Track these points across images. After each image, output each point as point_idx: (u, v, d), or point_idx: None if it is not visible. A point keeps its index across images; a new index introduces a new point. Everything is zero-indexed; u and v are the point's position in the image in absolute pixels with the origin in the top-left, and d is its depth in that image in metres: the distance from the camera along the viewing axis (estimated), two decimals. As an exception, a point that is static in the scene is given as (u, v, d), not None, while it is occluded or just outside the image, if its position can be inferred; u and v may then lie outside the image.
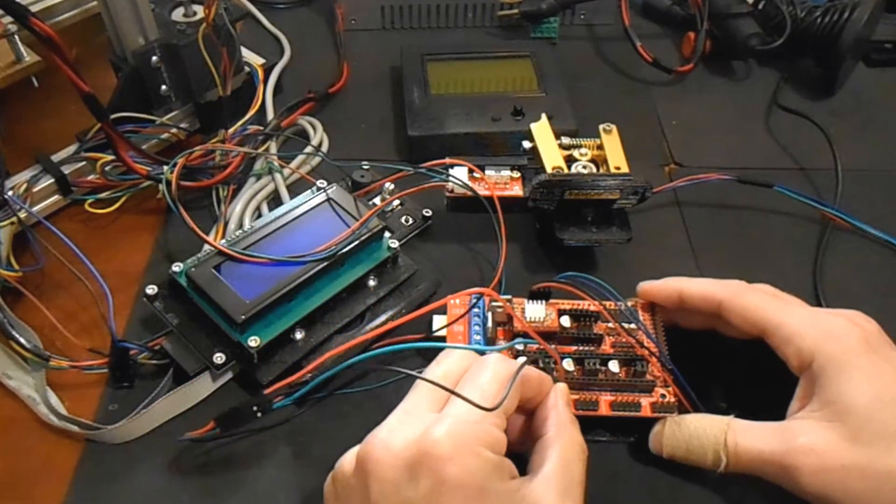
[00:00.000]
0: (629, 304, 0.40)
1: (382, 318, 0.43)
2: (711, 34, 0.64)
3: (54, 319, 0.41)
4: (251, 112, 0.52)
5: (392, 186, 0.49)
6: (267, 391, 0.36)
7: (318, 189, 0.45)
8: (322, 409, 0.40)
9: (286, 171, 0.51)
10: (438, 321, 0.41)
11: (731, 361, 0.40)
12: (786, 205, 0.51)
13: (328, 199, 0.45)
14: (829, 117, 0.58)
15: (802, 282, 0.47)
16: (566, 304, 0.40)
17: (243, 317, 0.38)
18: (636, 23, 0.65)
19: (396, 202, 0.49)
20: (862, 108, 0.61)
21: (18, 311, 0.42)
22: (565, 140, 0.47)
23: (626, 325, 0.39)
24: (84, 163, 0.48)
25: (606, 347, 0.39)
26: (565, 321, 0.39)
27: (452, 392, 0.31)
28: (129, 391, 0.40)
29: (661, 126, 0.59)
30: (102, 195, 0.48)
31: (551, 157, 0.45)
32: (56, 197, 0.48)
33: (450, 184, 0.46)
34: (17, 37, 0.49)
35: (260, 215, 0.49)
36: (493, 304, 0.39)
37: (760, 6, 0.64)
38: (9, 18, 0.48)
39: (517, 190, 0.47)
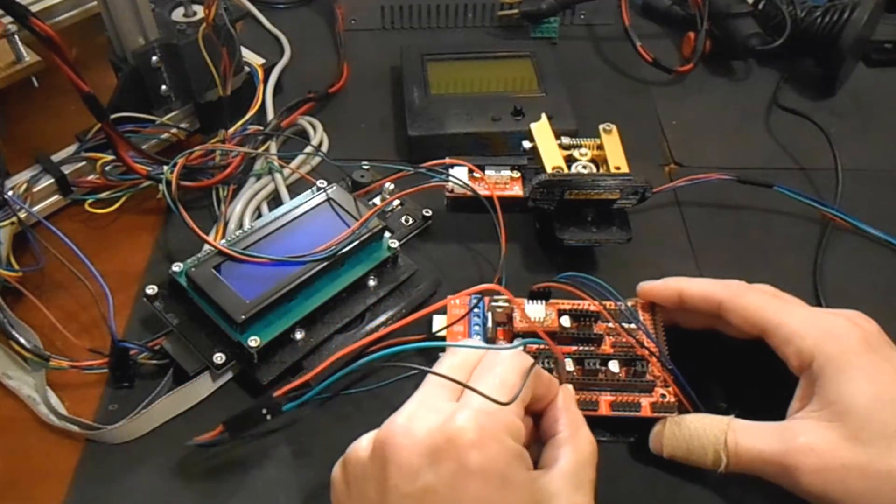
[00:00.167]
0: (629, 304, 0.40)
1: (382, 318, 0.43)
2: (711, 34, 0.64)
3: (54, 319, 0.41)
4: (251, 112, 0.52)
5: (392, 186, 0.49)
6: (277, 394, 0.36)
7: (318, 189, 0.45)
8: (323, 409, 0.40)
9: (286, 171, 0.51)
10: (438, 321, 0.41)
11: (731, 361, 0.40)
12: (786, 205, 0.51)
13: (328, 199, 0.45)
14: (829, 117, 0.58)
15: (802, 282, 0.47)
16: (566, 304, 0.40)
17: (243, 317, 0.38)
18: (636, 23, 0.65)
19: (396, 202, 0.49)
20: (862, 108, 0.61)
21: (18, 311, 0.42)
22: (565, 140, 0.47)
23: (626, 325, 0.39)
24: (84, 163, 0.48)
25: (606, 347, 0.39)
26: (565, 321, 0.39)
27: (467, 386, 0.31)
28: (129, 391, 0.40)
29: (661, 126, 0.59)
30: (102, 195, 0.48)
31: (551, 157, 0.45)
32: (56, 197, 0.48)
33: (450, 184, 0.46)
34: (17, 37, 0.49)
35: (260, 215, 0.49)
36: (493, 303, 0.39)
37: (760, 6, 0.64)
38: (9, 18, 0.48)
39: (517, 190, 0.47)
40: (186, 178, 0.47)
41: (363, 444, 0.31)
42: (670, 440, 0.36)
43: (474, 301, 0.40)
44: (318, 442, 0.39)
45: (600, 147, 0.46)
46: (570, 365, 0.38)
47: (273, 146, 0.53)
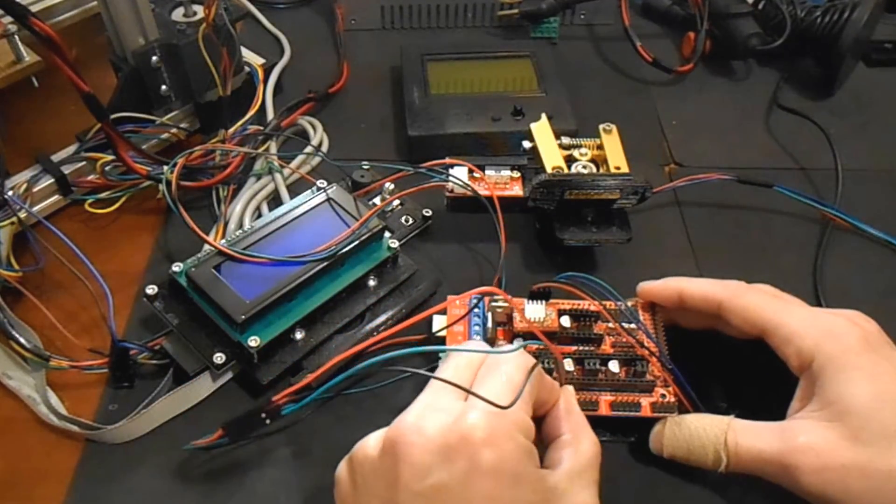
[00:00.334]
0: (629, 304, 0.40)
1: (382, 317, 0.43)
2: (711, 34, 0.64)
3: (54, 319, 0.41)
4: (251, 112, 0.52)
5: (392, 186, 0.49)
6: (276, 398, 0.36)
7: (318, 189, 0.45)
8: (323, 410, 0.40)
9: (286, 171, 0.51)
10: (438, 322, 0.41)
11: (731, 361, 0.40)
12: (786, 205, 0.51)
13: (328, 199, 0.45)
14: (829, 117, 0.58)
15: (802, 282, 0.47)
16: (566, 304, 0.40)
17: (243, 317, 0.38)
18: (636, 23, 0.65)
19: (396, 202, 0.49)
20: (862, 108, 0.61)
21: (18, 311, 0.42)
22: (565, 140, 0.47)
23: (626, 325, 0.39)
24: (84, 163, 0.48)
25: (606, 347, 0.39)
26: (565, 321, 0.39)
27: (470, 392, 0.31)
28: (130, 391, 0.40)
29: (661, 126, 0.59)
30: (102, 195, 0.48)
31: (551, 157, 0.45)
32: (56, 197, 0.48)
33: (450, 184, 0.46)
34: (17, 37, 0.49)
35: (260, 215, 0.49)
36: (493, 304, 0.39)
37: (760, 6, 0.64)
38: (9, 18, 0.48)
39: (517, 190, 0.47)
40: (186, 178, 0.47)
41: (371, 443, 0.31)
42: (670, 440, 0.36)
43: (474, 301, 0.40)
44: (318, 442, 0.39)
45: (600, 147, 0.46)
46: (570, 365, 0.38)
47: (273, 146, 0.53)
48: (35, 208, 0.46)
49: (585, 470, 0.32)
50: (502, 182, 0.47)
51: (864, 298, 0.46)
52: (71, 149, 0.48)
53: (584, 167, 0.45)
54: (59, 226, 0.43)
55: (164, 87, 0.50)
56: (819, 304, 0.46)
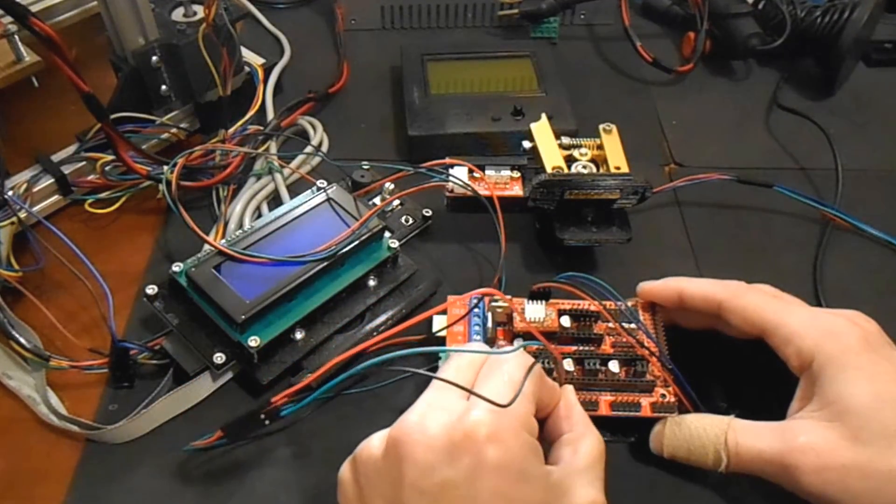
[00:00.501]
0: (629, 304, 0.40)
1: (382, 317, 0.43)
2: (711, 34, 0.64)
3: (54, 319, 0.41)
4: (251, 112, 0.52)
5: (392, 186, 0.49)
6: (275, 399, 0.36)
7: (318, 189, 0.45)
8: (323, 410, 0.40)
9: (286, 171, 0.51)
10: (439, 322, 0.41)
11: (732, 361, 0.40)
12: (786, 205, 0.51)
13: (328, 199, 0.45)
14: (829, 117, 0.58)
15: (802, 282, 0.47)
16: (566, 304, 0.40)
17: (243, 317, 0.38)
18: (636, 23, 0.65)
19: (396, 202, 0.49)
20: (862, 108, 0.61)
21: (18, 311, 0.42)
22: (565, 140, 0.47)
23: (626, 325, 0.39)
24: (84, 163, 0.48)
25: (606, 347, 0.39)
26: (565, 321, 0.39)
27: (471, 392, 0.31)
28: (130, 391, 0.40)
29: (661, 126, 0.59)
30: (102, 195, 0.48)
31: (551, 157, 0.45)
32: (56, 197, 0.48)
33: (450, 184, 0.46)
34: (17, 37, 0.49)
35: (260, 215, 0.49)
36: (493, 304, 0.39)
37: (760, 6, 0.64)
38: (9, 18, 0.48)
39: (517, 190, 0.47)
40: (186, 178, 0.47)
41: (375, 443, 0.31)
42: (671, 440, 0.36)
43: (474, 301, 0.40)
44: (319, 442, 0.39)
45: (600, 147, 0.46)
46: (570, 365, 0.38)
47: (273, 146, 0.53)
48: (35, 208, 0.46)
49: (590, 466, 0.32)
50: (502, 182, 0.47)
51: (864, 298, 0.46)
52: (71, 149, 0.48)
53: (584, 167, 0.45)
54: (59, 226, 0.43)
55: (164, 87, 0.50)
56: (819, 304, 0.46)
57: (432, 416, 0.30)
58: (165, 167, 0.44)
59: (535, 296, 0.40)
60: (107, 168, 0.48)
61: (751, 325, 0.36)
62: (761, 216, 0.52)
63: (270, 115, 0.54)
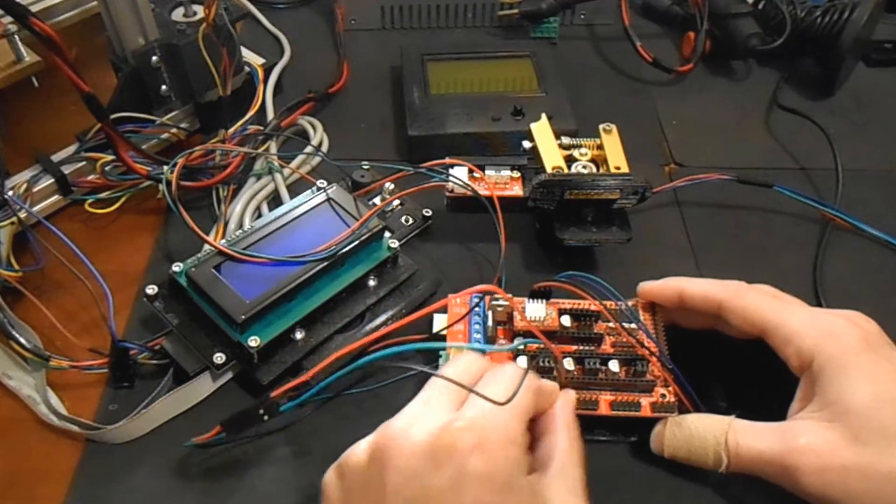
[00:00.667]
0: (630, 303, 0.40)
1: (382, 317, 0.43)
2: (711, 34, 0.64)
3: (54, 319, 0.41)
4: (251, 112, 0.52)
5: (392, 186, 0.49)
6: (273, 394, 0.36)
7: (318, 189, 0.45)
8: (323, 409, 0.40)
9: (286, 171, 0.51)
10: (439, 321, 0.41)
11: (732, 361, 0.40)
12: (786, 205, 0.51)
13: (328, 199, 0.45)
14: (829, 117, 0.58)
15: (802, 282, 0.47)
16: (566, 304, 0.40)
17: (243, 317, 0.38)
18: (636, 23, 0.65)
19: (396, 202, 0.49)
20: (862, 108, 0.61)
21: (18, 311, 0.42)
22: (565, 140, 0.47)
23: (626, 325, 0.39)
24: (84, 163, 0.48)
25: (607, 347, 0.39)
26: (566, 321, 0.39)
27: (468, 388, 0.31)
28: (130, 391, 0.40)
29: (661, 126, 0.59)
30: (102, 195, 0.48)
31: (551, 157, 0.45)
32: (56, 197, 0.48)
33: (450, 184, 0.46)
34: (17, 37, 0.49)
35: (260, 215, 0.49)
36: (494, 302, 0.39)
37: (760, 6, 0.64)
38: (9, 18, 0.48)
39: (517, 190, 0.47)
40: (186, 178, 0.47)
41: (359, 449, 0.31)
42: (671, 440, 0.36)
43: (475, 300, 0.40)
44: (318, 442, 0.39)
45: (600, 147, 0.46)
46: (570, 364, 0.38)
47: (273, 146, 0.53)
48: (35, 208, 0.46)
49: (571, 473, 0.32)
50: (502, 182, 0.47)
51: (864, 298, 0.46)
52: (71, 149, 0.48)
53: (584, 167, 0.45)
54: (59, 226, 0.43)
55: (164, 87, 0.50)
56: (819, 304, 0.46)
57: (418, 422, 0.30)
58: (165, 167, 0.44)
59: (535, 295, 0.40)
60: (107, 168, 0.48)
61: (751, 326, 0.36)
62: (761, 216, 0.52)
63: (270, 115, 0.54)
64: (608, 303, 0.39)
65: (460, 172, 0.47)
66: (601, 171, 0.45)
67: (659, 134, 0.59)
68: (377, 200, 0.49)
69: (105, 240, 0.48)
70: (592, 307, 0.39)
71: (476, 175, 0.47)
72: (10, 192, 0.45)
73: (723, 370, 0.40)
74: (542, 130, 0.46)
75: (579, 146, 0.47)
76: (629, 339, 0.38)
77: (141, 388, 0.40)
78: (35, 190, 0.46)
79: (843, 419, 0.32)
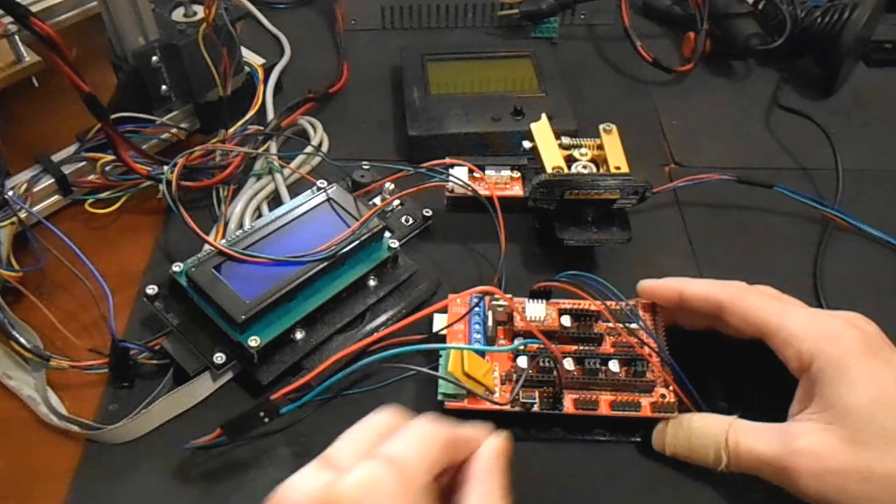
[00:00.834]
0: (630, 303, 0.40)
1: (383, 317, 0.43)
2: (711, 34, 0.64)
3: (54, 319, 0.41)
4: (251, 112, 0.52)
5: (392, 186, 0.49)
6: (274, 396, 0.36)
7: (319, 189, 0.45)
8: (323, 410, 0.40)
9: (286, 171, 0.51)
10: (439, 321, 0.41)
11: (732, 361, 0.40)
12: (786, 205, 0.51)
13: (328, 199, 0.45)
14: (829, 117, 0.58)
15: (802, 282, 0.47)
16: (567, 304, 0.40)
17: (243, 317, 0.38)
18: (636, 23, 0.65)
19: (396, 202, 0.49)
20: (862, 108, 0.61)
21: (19, 311, 0.42)
22: (565, 140, 0.47)
23: (626, 325, 0.39)
24: (84, 163, 0.48)
25: (607, 347, 0.39)
26: (566, 321, 0.39)
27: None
28: (130, 391, 0.40)
29: (661, 126, 0.59)
30: (103, 195, 0.48)
31: (551, 157, 0.45)
32: (56, 197, 0.48)
33: (450, 184, 0.46)
34: (17, 37, 0.49)
35: (260, 215, 0.49)
36: (494, 303, 0.39)
37: (760, 6, 0.64)
38: (9, 18, 0.48)
39: (517, 190, 0.47)
40: (187, 178, 0.47)
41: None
42: (672, 438, 0.36)
43: (475, 300, 0.40)
44: (319, 442, 0.38)
45: (600, 147, 0.46)
46: (570, 364, 0.38)
47: (273, 146, 0.53)
48: (35, 208, 0.46)
49: None
50: (502, 182, 0.47)
51: (864, 298, 0.46)
52: (71, 149, 0.49)
53: (585, 167, 0.45)
54: (59, 226, 0.43)
55: (164, 87, 0.50)
56: (819, 304, 0.46)
57: (308, 480, 0.29)
58: (165, 167, 0.44)
59: (535, 295, 0.40)
60: (107, 168, 0.48)
61: (751, 327, 0.36)
62: (761, 216, 0.52)
63: (270, 115, 0.54)
64: (609, 303, 0.39)
65: (460, 172, 0.47)
66: (601, 171, 0.45)
67: (659, 134, 0.59)
68: (377, 200, 0.49)
69: (105, 240, 0.48)
70: (592, 307, 0.39)
71: (476, 175, 0.47)
72: (11, 192, 0.45)
73: (723, 370, 0.40)
74: (542, 130, 0.46)
75: (579, 146, 0.47)
76: (629, 339, 0.38)
77: (141, 388, 0.40)
78: (35, 190, 0.46)
79: (842, 421, 0.32)
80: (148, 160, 0.47)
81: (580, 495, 0.37)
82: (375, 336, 0.40)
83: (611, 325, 0.39)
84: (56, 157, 0.48)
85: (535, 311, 0.39)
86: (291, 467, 0.37)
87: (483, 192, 0.46)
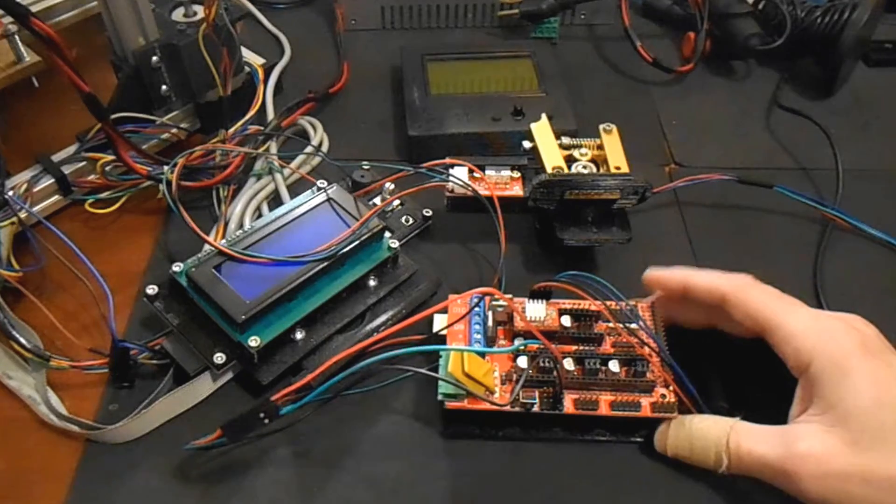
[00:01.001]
0: (630, 303, 0.40)
1: (383, 317, 0.43)
2: (711, 34, 0.64)
3: (54, 319, 0.41)
4: (251, 112, 0.52)
5: (392, 186, 0.49)
6: (274, 398, 0.36)
7: (319, 189, 0.45)
8: (322, 410, 0.40)
9: (286, 171, 0.51)
10: (439, 321, 0.41)
11: (733, 362, 0.40)
12: (786, 205, 0.51)
13: (328, 199, 0.45)
14: (829, 117, 0.58)
15: (802, 282, 0.47)
16: (567, 304, 0.40)
17: (244, 317, 0.38)
18: (636, 23, 0.65)
19: (396, 202, 0.49)
20: (862, 108, 0.61)
21: (19, 311, 0.42)
22: (565, 140, 0.47)
23: (627, 325, 0.39)
24: (84, 163, 0.48)
25: (607, 347, 0.39)
26: (566, 321, 0.39)
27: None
28: (130, 391, 0.40)
29: (661, 126, 0.59)
30: (103, 195, 0.48)
31: (551, 157, 0.45)
32: (56, 197, 0.48)
33: (450, 184, 0.46)
34: (17, 37, 0.49)
35: (260, 215, 0.49)
36: (494, 303, 0.39)
37: (760, 6, 0.64)
38: (9, 18, 0.48)
39: (517, 190, 0.47)
40: (187, 178, 0.47)
41: None
42: (674, 440, 0.36)
43: (475, 300, 0.40)
44: (318, 443, 0.39)
45: (600, 147, 0.46)
46: (570, 364, 0.38)
47: (273, 146, 0.53)
48: (35, 208, 0.46)
49: None
50: (502, 182, 0.47)
51: (864, 298, 0.46)
52: (71, 149, 0.48)
53: (585, 167, 0.45)
54: (59, 226, 0.43)
55: (164, 87, 0.50)
56: (819, 305, 0.46)
57: None
58: (166, 167, 0.44)
59: (535, 295, 0.40)
60: (107, 168, 0.48)
61: (752, 321, 0.36)
62: (761, 216, 0.52)
63: (270, 115, 0.54)
64: (608, 303, 0.39)
65: (460, 172, 0.47)
66: (601, 171, 0.45)
67: (659, 134, 0.59)
68: (377, 200, 0.49)
69: (105, 240, 0.48)
70: (593, 307, 0.39)
71: (476, 175, 0.47)
72: (11, 192, 0.45)
73: (723, 370, 0.40)
74: (542, 130, 0.46)
75: (579, 146, 0.47)
76: (630, 339, 0.38)
77: (141, 388, 0.40)
78: (35, 190, 0.46)
79: (843, 424, 0.32)
80: (148, 160, 0.47)
81: (580, 495, 0.37)
82: (376, 337, 0.40)
83: (611, 325, 0.39)
84: (56, 157, 0.48)
85: (535, 311, 0.39)
86: (291, 467, 0.38)
87: (483, 192, 0.46)
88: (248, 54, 0.57)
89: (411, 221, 0.48)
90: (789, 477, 0.32)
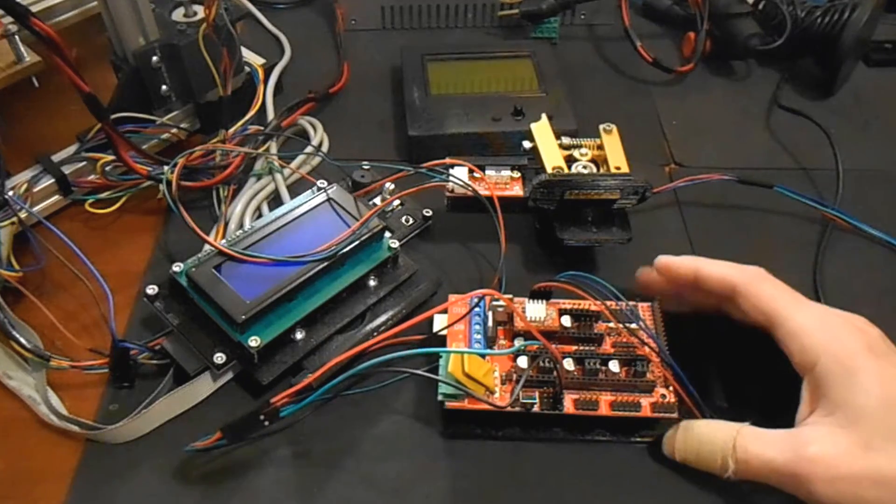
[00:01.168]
0: (631, 303, 0.40)
1: (383, 317, 0.43)
2: (711, 34, 0.64)
3: (55, 319, 0.41)
4: (251, 112, 0.52)
5: (392, 186, 0.49)
6: (274, 400, 0.36)
7: (319, 189, 0.45)
8: (322, 411, 0.40)
9: (286, 171, 0.51)
10: (439, 321, 0.41)
11: (734, 362, 0.40)
12: (786, 205, 0.51)
13: (328, 199, 0.45)
14: (829, 117, 0.58)
15: (802, 282, 0.47)
16: (567, 304, 0.40)
17: (244, 317, 0.38)
18: (636, 23, 0.65)
19: (396, 202, 0.49)
20: (862, 108, 0.61)
21: (19, 311, 0.42)
22: (565, 140, 0.47)
23: (627, 325, 0.39)
24: (84, 163, 0.48)
25: (607, 347, 0.39)
26: (566, 321, 0.39)
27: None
28: (130, 391, 0.40)
29: (661, 126, 0.59)
30: (103, 195, 0.48)
31: (551, 157, 0.45)
32: (56, 197, 0.48)
33: (450, 184, 0.46)
34: (17, 37, 0.49)
35: (260, 215, 0.49)
36: (494, 303, 0.39)
37: (760, 6, 0.64)
38: (9, 18, 0.48)
39: (517, 190, 0.47)
40: (187, 178, 0.47)
41: None
42: (681, 444, 0.36)
43: (475, 301, 0.40)
44: (318, 443, 0.39)
45: (600, 147, 0.46)
46: (570, 365, 0.38)
47: (273, 146, 0.53)
48: (35, 208, 0.46)
49: None
50: (502, 182, 0.47)
51: (865, 298, 0.46)
52: (71, 149, 0.49)
53: (585, 167, 0.45)
54: (59, 226, 0.43)
55: (164, 87, 0.50)
56: (819, 305, 0.46)
57: None
58: (166, 167, 0.44)
59: (535, 295, 0.40)
60: (107, 168, 0.48)
61: (760, 313, 0.36)
62: (761, 216, 0.52)
63: (271, 115, 0.54)
64: (608, 303, 0.39)
65: (460, 172, 0.47)
66: (601, 171, 0.45)
67: (659, 134, 0.59)
68: (377, 200, 0.49)
69: (105, 240, 0.48)
70: (593, 307, 0.39)
71: (476, 175, 0.47)
72: (11, 192, 0.45)
73: (724, 370, 0.40)
74: (542, 130, 0.46)
75: (579, 146, 0.47)
76: (630, 339, 0.38)
77: (141, 388, 0.40)
78: (35, 190, 0.46)
79: (853, 425, 0.32)
80: (148, 160, 0.47)
81: (580, 495, 0.37)
82: (376, 338, 0.40)
83: (611, 325, 0.39)
84: (56, 157, 0.48)
85: (535, 311, 0.39)
86: (292, 468, 0.38)
87: (483, 192, 0.46)
88: (248, 54, 0.57)
89: (411, 221, 0.48)
90: (799, 481, 0.32)
